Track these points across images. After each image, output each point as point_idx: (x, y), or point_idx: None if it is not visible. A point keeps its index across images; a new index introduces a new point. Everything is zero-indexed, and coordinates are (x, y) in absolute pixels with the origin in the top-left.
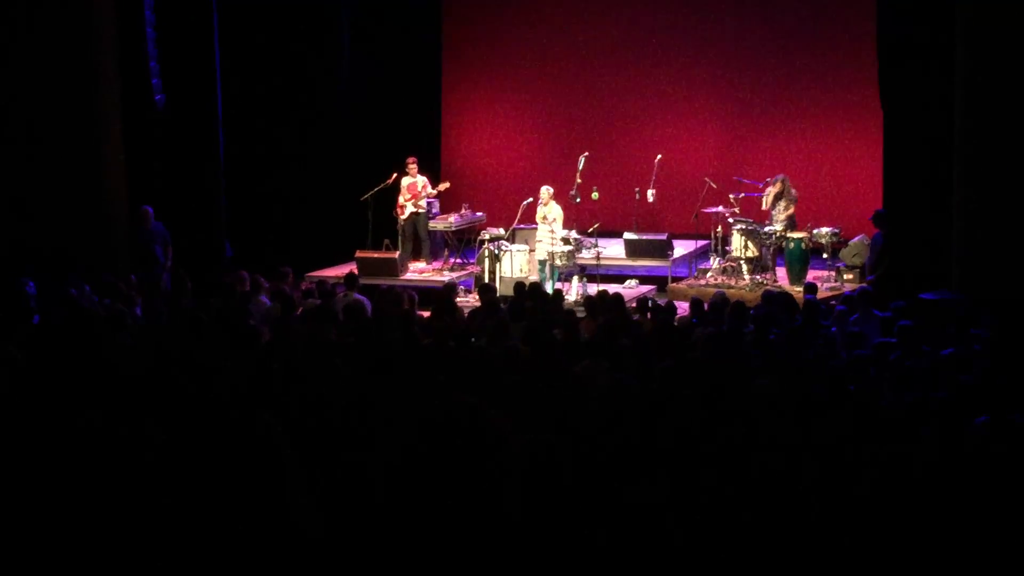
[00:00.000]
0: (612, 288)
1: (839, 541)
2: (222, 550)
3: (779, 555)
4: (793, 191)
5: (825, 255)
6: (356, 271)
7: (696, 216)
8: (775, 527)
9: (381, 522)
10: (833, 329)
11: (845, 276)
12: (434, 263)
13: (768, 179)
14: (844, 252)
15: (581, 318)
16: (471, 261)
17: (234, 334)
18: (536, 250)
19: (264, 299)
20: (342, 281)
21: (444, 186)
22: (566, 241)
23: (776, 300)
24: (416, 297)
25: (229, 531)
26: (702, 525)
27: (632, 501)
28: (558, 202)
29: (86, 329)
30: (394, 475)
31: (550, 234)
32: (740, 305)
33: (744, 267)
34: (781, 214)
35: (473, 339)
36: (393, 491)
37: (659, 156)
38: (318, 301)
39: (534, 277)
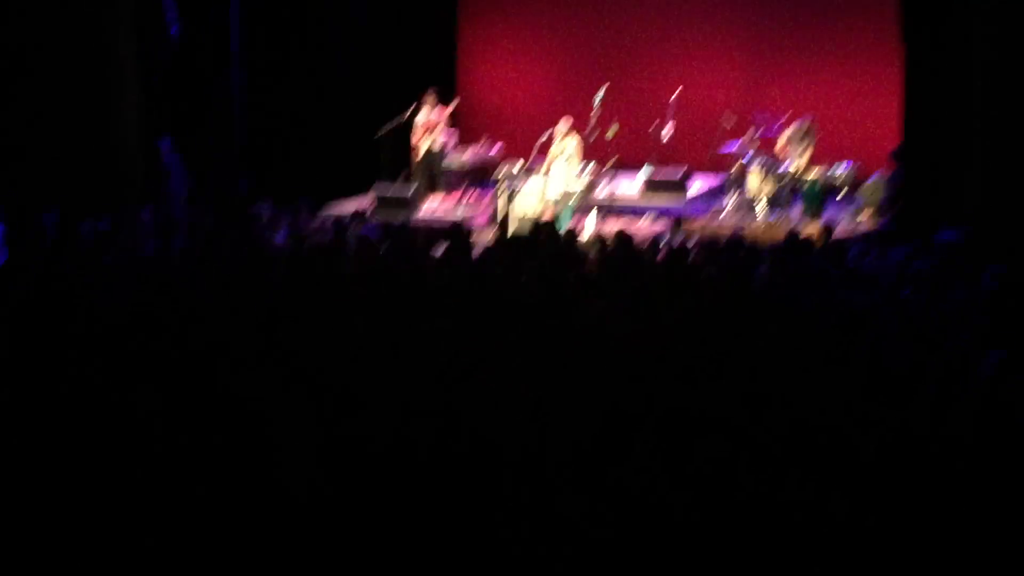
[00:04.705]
0: (627, 225)
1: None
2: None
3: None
4: (815, 134)
5: (842, 194)
6: (371, 206)
7: (713, 154)
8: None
9: (390, 467)
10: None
11: (861, 215)
12: (450, 198)
13: (787, 115)
14: (861, 191)
15: (593, 256)
16: (488, 196)
17: (249, 268)
18: (551, 186)
19: (280, 233)
20: (355, 216)
21: (455, 103)
22: (582, 177)
23: (795, 240)
24: (430, 233)
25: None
26: (708, 479)
27: (643, 450)
28: (575, 135)
29: (96, 265)
30: (407, 415)
31: (566, 169)
32: (755, 246)
33: (760, 206)
34: (799, 155)
35: (487, 277)
36: (407, 431)
37: (678, 90)
38: (331, 236)
39: (551, 213)
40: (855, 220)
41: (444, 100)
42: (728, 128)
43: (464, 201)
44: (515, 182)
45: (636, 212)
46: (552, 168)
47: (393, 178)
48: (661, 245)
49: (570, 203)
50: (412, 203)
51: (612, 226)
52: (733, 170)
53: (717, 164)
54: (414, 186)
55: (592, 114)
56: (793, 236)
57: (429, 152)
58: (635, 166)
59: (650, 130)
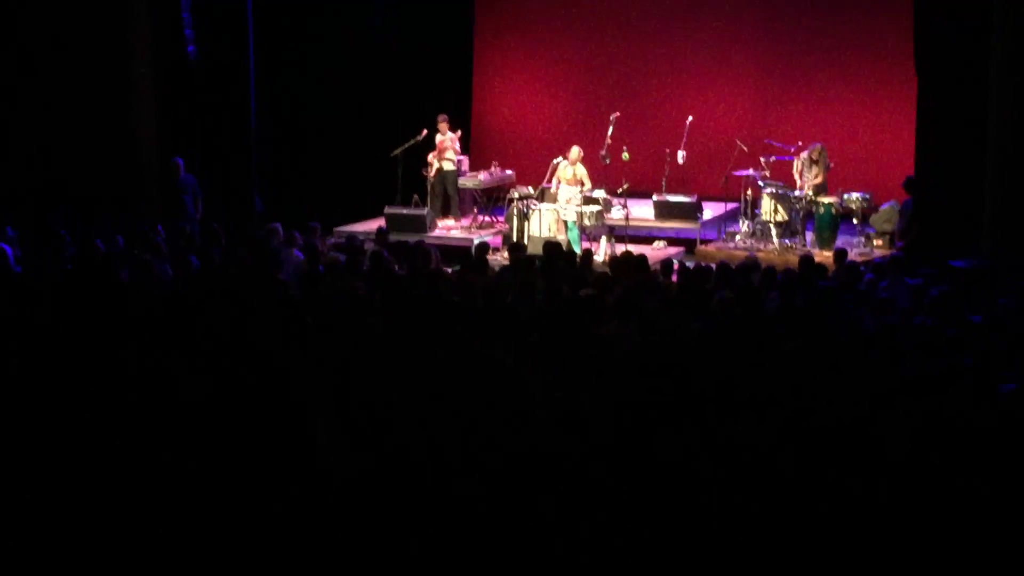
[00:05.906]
0: (640, 249)
1: (865, 507)
2: (250, 492)
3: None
4: (829, 160)
5: (855, 221)
6: (385, 227)
7: (726, 179)
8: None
9: (409, 470)
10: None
11: (875, 242)
12: (463, 220)
13: (799, 143)
14: (875, 218)
15: (607, 277)
16: (500, 219)
17: (264, 287)
18: (562, 210)
19: (296, 253)
20: (371, 236)
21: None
22: (595, 201)
23: (809, 265)
24: (439, 255)
25: (256, 475)
26: (726, 483)
27: (660, 459)
28: (585, 163)
29: (111, 280)
30: (423, 429)
31: (578, 194)
32: (770, 270)
33: (773, 231)
34: (811, 180)
35: (501, 297)
36: (425, 445)
37: (690, 118)
38: (346, 256)
39: (563, 236)
40: (868, 247)
41: (455, 125)
42: (743, 152)
43: (477, 222)
44: (527, 204)
45: (649, 235)
46: (563, 192)
47: (405, 201)
48: (675, 268)
49: (584, 222)
50: (425, 224)
51: (625, 249)
52: (746, 195)
53: (730, 189)
54: (427, 207)
55: (605, 142)
56: (807, 260)
57: (442, 173)
58: (647, 192)
59: (666, 157)
